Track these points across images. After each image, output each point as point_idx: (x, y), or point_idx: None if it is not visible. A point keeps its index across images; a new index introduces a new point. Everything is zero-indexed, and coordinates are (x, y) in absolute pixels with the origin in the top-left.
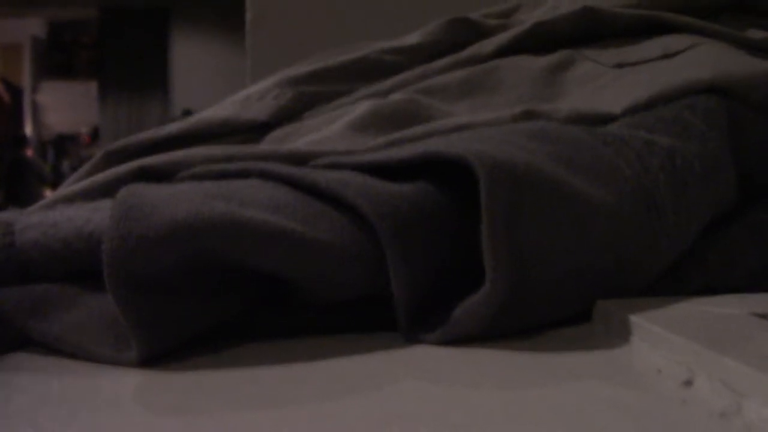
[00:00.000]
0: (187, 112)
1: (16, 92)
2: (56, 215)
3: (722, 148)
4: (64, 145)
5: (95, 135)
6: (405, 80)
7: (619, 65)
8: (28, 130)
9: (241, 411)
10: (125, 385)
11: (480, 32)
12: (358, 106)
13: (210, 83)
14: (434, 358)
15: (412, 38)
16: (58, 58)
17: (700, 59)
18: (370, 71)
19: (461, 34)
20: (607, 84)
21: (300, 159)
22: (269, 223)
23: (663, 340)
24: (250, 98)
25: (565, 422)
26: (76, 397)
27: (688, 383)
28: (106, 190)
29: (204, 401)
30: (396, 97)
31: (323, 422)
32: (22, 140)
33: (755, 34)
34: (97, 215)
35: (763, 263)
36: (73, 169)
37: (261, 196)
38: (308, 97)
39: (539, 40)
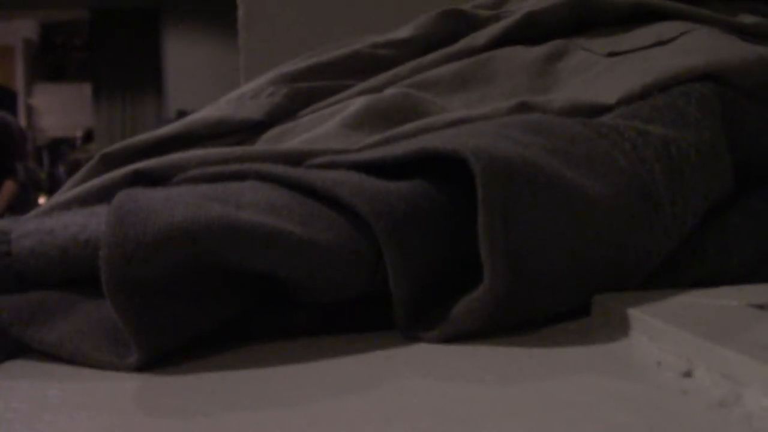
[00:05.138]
0: (182, 113)
1: (10, 95)
2: (52, 222)
3: (717, 136)
4: (58, 148)
5: (88, 137)
6: (398, 74)
7: (612, 54)
8: None
9: (241, 412)
10: (124, 389)
11: (472, 24)
12: (352, 103)
13: (204, 83)
14: (434, 354)
15: (404, 31)
16: (51, 61)
17: (693, 46)
18: (363, 66)
19: (453, 26)
20: (601, 73)
21: (296, 159)
22: (266, 225)
23: (662, 333)
24: (244, 97)
25: (567, 416)
26: (76, 401)
27: (688, 374)
28: (103, 195)
29: (204, 403)
30: (390, 92)
31: (324, 422)
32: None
33: (746, 18)
34: (94, 221)
35: (761, 253)
36: (69, 173)
37: (257, 197)
38: (302, 93)
39: (532, 30)
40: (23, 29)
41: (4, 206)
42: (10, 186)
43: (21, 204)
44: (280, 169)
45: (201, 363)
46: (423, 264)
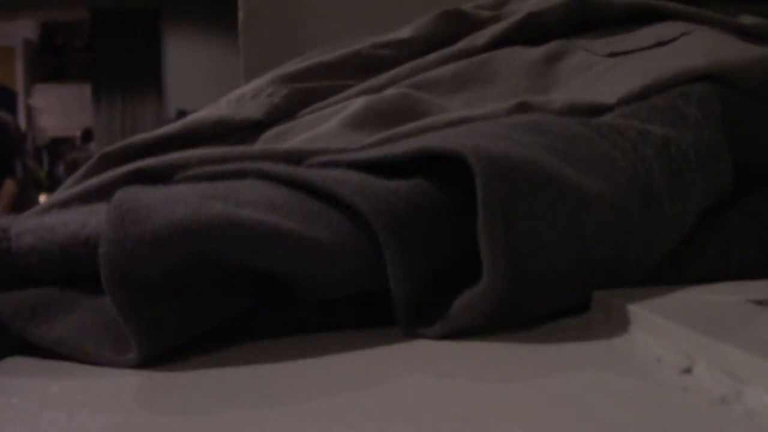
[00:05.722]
0: (182, 113)
1: (10, 96)
2: (52, 219)
3: (717, 136)
4: (58, 148)
5: (87, 137)
6: (398, 75)
7: (612, 54)
8: None
9: (241, 409)
10: (125, 387)
11: (472, 24)
12: (353, 103)
13: (204, 83)
14: (435, 351)
15: (404, 32)
16: (51, 61)
17: (693, 47)
18: (363, 66)
19: (454, 26)
20: (601, 74)
21: (296, 158)
22: (266, 222)
23: (662, 329)
24: (244, 97)
25: (567, 412)
26: (76, 399)
27: (688, 371)
28: (103, 194)
29: (204, 401)
30: (390, 92)
31: (325, 419)
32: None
33: (746, 19)
34: (94, 219)
35: (761, 252)
36: (69, 172)
37: (257, 196)
38: (302, 94)
39: (532, 30)
40: (23, 30)
41: (7, 206)
42: (10, 185)
43: (21, 202)
44: (280, 168)
45: (201, 360)
46: (423, 262)
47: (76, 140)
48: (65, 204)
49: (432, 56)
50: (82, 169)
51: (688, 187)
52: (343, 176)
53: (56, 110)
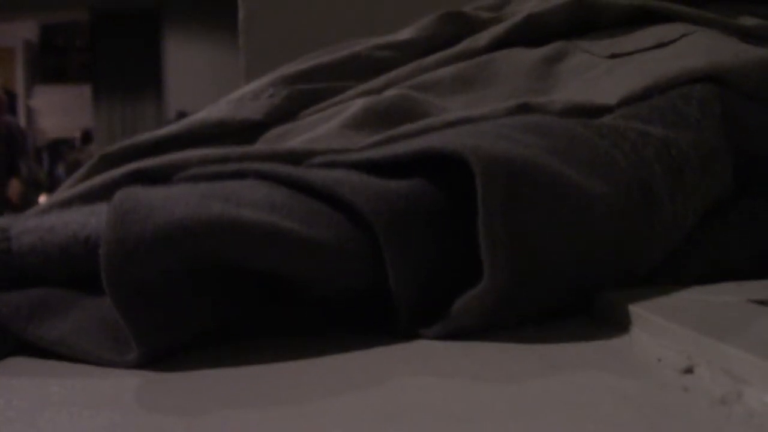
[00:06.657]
0: (182, 114)
1: (10, 97)
2: (52, 219)
3: (717, 136)
4: (58, 149)
5: (86, 138)
6: (399, 76)
7: (613, 56)
8: None
9: (241, 410)
10: (125, 387)
11: (473, 25)
12: (353, 104)
13: (204, 84)
14: (434, 352)
15: (405, 33)
16: (51, 62)
17: (693, 48)
18: (363, 67)
19: (454, 27)
20: (602, 75)
21: (296, 158)
22: (266, 223)
23: (662, 330)
24: (244, 98)
25: (567, 412)
26: (76, 399)
27: (688, 371)
28: (103, 194)
29: (204, 401)
30: (390, 93)
31: (325, 419)
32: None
33: (747, 20)
34: (94, 219)
35: (761, 251)
36: (69, 173)
37: (257, 196)
38: (302, 95)
39: (532, 31)
40: (23, 31)
41: (18, 205)
42: (16, 185)
43: (22, 202)
44: (280, 168)
45: (201, 360)
46: (423, 262)
47: (75, 141)
48: (66, 204)
49: (432, 58)
50: (83, 169)
51: (688, 188)
52: (342, 177)
53: (56, 111)
